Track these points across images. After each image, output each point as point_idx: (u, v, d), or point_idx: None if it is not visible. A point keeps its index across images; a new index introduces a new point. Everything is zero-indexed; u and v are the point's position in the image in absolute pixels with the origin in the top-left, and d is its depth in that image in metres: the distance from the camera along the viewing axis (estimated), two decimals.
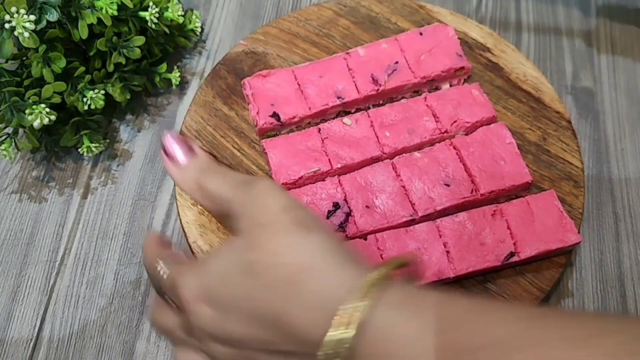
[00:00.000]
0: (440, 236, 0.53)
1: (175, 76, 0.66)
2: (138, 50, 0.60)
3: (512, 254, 0.52)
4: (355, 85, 0.61)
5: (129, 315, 0.55)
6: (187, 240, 0.55)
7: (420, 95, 0.62)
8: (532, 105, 0.62)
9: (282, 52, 0.65)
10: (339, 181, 0.56)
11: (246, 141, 0.61)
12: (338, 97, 0.60)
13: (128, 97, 0.63)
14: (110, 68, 0.60)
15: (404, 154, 0.58)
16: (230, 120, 0.62)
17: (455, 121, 0.59)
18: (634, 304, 0.56)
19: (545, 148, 0.60)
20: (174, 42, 0.68)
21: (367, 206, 0.55)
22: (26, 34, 0.52)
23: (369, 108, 0.61)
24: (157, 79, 0.65)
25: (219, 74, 0.64)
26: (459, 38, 0.65)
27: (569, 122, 0.62)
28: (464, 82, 0.64)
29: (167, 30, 0.63)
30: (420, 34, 0.64)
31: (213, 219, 0.56)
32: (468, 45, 0.66)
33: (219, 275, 0.39)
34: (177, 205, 0.57)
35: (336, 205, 0.55)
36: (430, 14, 0.68)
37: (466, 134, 0.59)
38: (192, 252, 0.54)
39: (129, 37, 0.60)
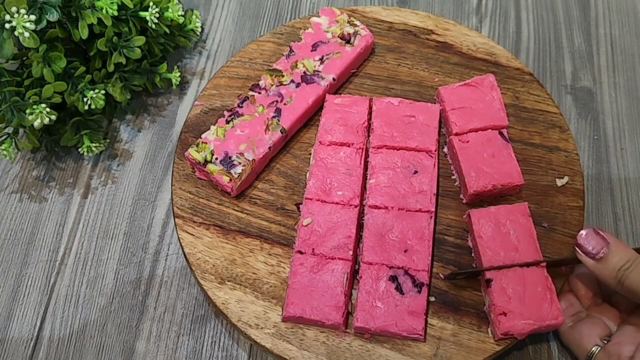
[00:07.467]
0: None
1: (175, 76, 0.66)
2: (138, 50, 0.60)
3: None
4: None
5: (129, 315, 0.55)
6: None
7: None
8: (492, 71, 0.64)
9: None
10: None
11: (245, 200, 0.58)
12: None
13: (128, 97, 0.63)
14: (111, 68, 0.60)
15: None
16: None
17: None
18: None
19: (522, 105, 0.62)
20: (174, 42, 0.68)
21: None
22: (26, 34, 0.52)
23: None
24: (158, 79, 0.65)
25: (186, 142, 0.60)
26: (400, 29, 0.66)
27: (531, 74, 0.63)
28: None
29: (167, 30, 0.63)
30: None
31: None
32: (413, 33, 0.66)
33: None
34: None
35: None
36: (364, 15, 0.68)
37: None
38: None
39: (129, 37, 0.60)
